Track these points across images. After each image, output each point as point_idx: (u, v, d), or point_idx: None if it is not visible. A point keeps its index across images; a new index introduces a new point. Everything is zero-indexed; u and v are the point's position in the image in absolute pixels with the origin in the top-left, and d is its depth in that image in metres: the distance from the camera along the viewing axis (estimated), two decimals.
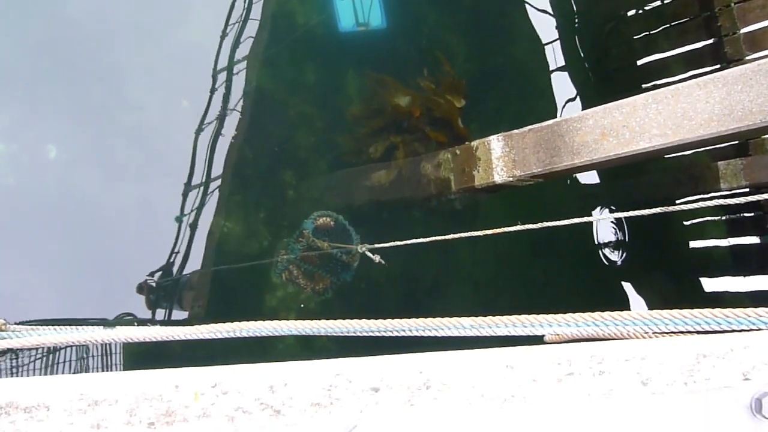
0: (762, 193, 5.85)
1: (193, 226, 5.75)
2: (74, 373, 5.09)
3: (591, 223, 7.17)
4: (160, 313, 5.57)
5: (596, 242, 7.21)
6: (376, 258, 4.38)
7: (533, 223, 3.14)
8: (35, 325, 1.68)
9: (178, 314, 5.66)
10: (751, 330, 1.33)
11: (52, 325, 1.70)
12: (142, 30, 6.05)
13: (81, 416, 1.07)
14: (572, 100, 7.23)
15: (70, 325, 1.70)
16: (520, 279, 6.77)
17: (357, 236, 5.25)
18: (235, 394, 1.12)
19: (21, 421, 1.06)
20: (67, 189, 5.56)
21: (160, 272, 5.57)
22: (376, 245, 4.27)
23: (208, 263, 5.69)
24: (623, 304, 6.92)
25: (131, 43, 5.97)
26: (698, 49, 6.35)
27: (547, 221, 3.22)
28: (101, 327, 1.64)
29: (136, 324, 5.31)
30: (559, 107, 7.18)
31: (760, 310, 1.34)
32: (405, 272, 6.23)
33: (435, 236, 3.85)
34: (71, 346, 5.08)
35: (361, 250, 4.49)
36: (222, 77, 6.15)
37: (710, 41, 6.18)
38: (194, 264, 5.69)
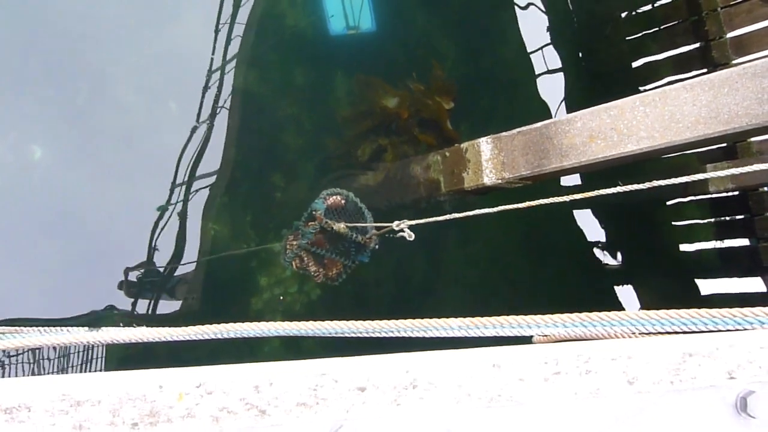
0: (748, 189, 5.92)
1: (177, 225, 5.72)
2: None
3: (580, 225, 7.19)
4: (142, 304, 5.53)
5: (586, 244, 7.24)
6: (412, 236, 3.89)
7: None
8: (19, 325, 1.65)
9: (170, 305, 5.62)
10: (736, 330, 1.33)
11: (36, 323, 1.68)
12: (129, 31, 6.02)
13: (63, 417, 1.06)
14: (561, 102, 7.26)
15: (54, 324, 1.68)
16: (510, 281, 6.77)
17: (370, 215, 4.70)
18: (220, 394, 1.11)
19: (1, 422, 1.04)
20: (51, 190, 5.52)
21: (142, 266, 5.52)
22: (413, 221, 3.93)
23: (198, 258, 5.66)
24: (613, 306, 6.94)
25: (117, 44, 5.93)
26: (686, 52, 6.41)
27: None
28: (86, 328, 1.62)
29: (122, 325, 5.27)
30: (548, 109, 7.21)
31: (746, 310, 1.35)
32: (395, 273, 6.22)
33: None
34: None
35: (398, 228, 3.96)
36: (210, 80, 6.12)
37: (698, 45, 6.24)
38: (180, 260, 5.66)
